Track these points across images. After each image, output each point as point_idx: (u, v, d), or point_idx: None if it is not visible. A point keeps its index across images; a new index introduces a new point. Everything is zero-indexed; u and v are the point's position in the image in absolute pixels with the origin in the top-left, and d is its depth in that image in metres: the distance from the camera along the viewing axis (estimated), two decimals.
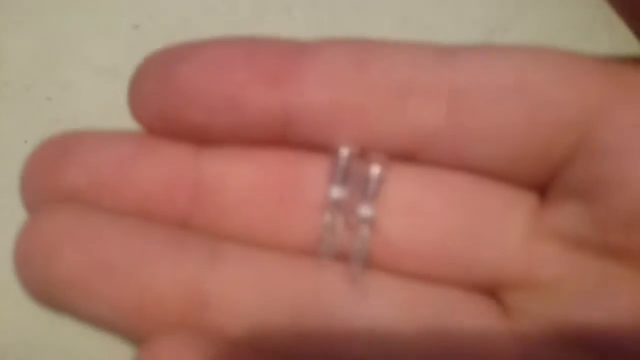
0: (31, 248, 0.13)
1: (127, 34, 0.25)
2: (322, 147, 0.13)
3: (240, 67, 0.13)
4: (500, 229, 0.14)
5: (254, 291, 0.13)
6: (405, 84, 0.13)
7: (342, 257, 0.13)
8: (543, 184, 0.14)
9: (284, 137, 0.13)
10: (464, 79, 0.13)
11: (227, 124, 0.13)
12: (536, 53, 0.13)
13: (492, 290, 0.14)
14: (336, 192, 0.13)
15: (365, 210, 0.13)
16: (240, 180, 0.14)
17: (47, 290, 0.13)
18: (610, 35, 0.26)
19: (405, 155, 0.14)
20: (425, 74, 0.13)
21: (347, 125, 0.13)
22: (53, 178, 0.13)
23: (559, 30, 0.26)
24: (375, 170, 0.13)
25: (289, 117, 0.13)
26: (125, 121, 0.23)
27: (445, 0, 0.26)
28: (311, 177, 0.14)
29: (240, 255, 0.13)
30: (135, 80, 0.14)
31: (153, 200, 0.13)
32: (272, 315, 0.13)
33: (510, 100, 0.13)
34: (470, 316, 0.13)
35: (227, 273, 0.13)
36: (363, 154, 0.13)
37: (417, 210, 0.14)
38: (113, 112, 0.23)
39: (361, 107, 0.13)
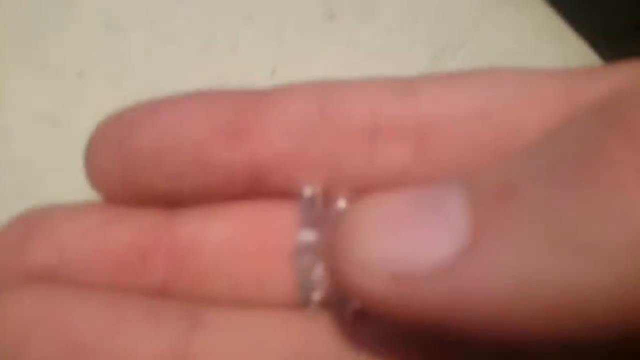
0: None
1: (71, 81, 0.25)
2: (293, 194, 0.13)
3: (200, 124, 0.13)
4: None
5: (238, 355, 0.12)
6: (369, 125, 0.13)
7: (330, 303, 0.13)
8: None
9: (255, 189, 0.13)
10: (427, 112, 0.13)
11: (195, 186, 0.13)
12: (494, 76, 0.13)
13: None
14: (305, 235, 0.13)
15: None
16: (215, 238, 0.13)
17: None
18: (562, 46, 0.27)
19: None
20: (387, 112, 0.13)
21: (316, 172, 0.13)
22: (20, 259, 0.13)
23: (509, 46, 0.26)
24: (341, 204, 0.13)
25: (257, 169, 0.13)
26: (66, 169, 0.22)
27: (394, 24, 0.27)
28: (286, 224, 0.13)
29: (222, 319, 0.13)
30: (90, 150, 0.13)
31: (127, 270, 0.13)
32: None
33: (475, 129, 0.13)
34: None
35: (210, 341, 0.12)
36: (328, 193, 0.13)
37: None
38: (52, 159, 0.23)
39: (328, 152, 0.13)
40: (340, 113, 0.13)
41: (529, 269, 0.09)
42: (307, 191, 0.13)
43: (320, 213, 0.13)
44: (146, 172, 0.13)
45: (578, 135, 0.10)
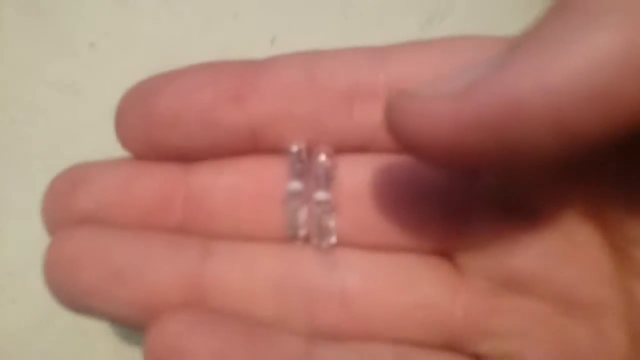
0: (57, 264, 0.15)
1: (83, 52, 0.26)
2: (284, 150, 0.16)
3: (207, 91, 0.15)
4: None
5: (242, 277, 0.15)
6: (349, 88, 0.15)
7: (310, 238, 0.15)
8: None
9: (254, 146, 0.16)
10: (396, 75, 0.15)
11: (205, 143, 0.15)
12: (454, 43, 0.15)
13: (445, 252, 0.16)
14: (293, 185, 0.15)
15: (320, 195, 0.15)
16: (222, 187, 0.16)
17: (72, 298, 0.15)
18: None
19: (360, 148, 0.16)
20: (364, 76, 0.15)
21: (303, 130, 0.15)
22: (67, 206, 0.16)
23: (495, 12, 0.27)
24: (322, 158, 0.15)
25: (255, 128, 0.15)
26: (89, 134, 0.24)
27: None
28: (279, 175, 0.16)
29: (228, 249, 0.15)
30: (119, 114, 0.16)
31: (151, 213, 0.15)
32: (259, 293, 0.15)
33: None
34: (428, 274, 0.15)
35: (219, 266, 0.15)
36: (313, 150, 0.15)
37: (369, 190, 0.15)
38: (76, 127, 0.25)
39: (313, 113, 0.15)
40: (324, 79, 0.15)
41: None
42: (294, 148, 0.15)
43: (305, 166, 0.15)
44: (165, 131, 0.15)
45: None
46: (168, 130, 0.15)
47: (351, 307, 0.15)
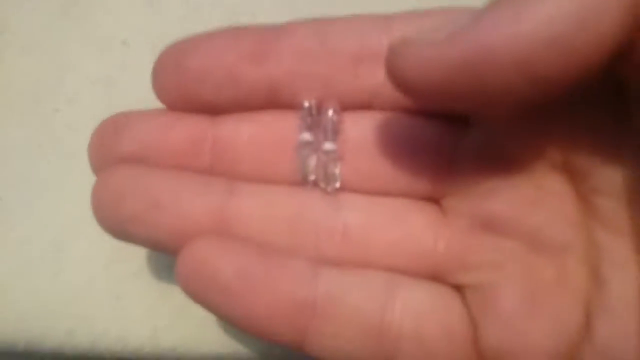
0: (103, 197, 0.17)
1: (117, 49, 0.29)
2: (298, 105, 0.18)
3: (231, 51, 0.17)
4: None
5: (260, 212, 0.17)
6: (356, 51, 0.17)
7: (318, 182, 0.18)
8: None
9: (273, 101, 0.18)
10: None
11: (229, 97, 0.18)
12: (448, 13, 0.17)
13: (433, 198, 0.18)
14: (304, 136, 0.17)
15: (327, 145, 0.17)
16: (245, 135, 0.18)
17: (118, 226, 0.17)
18: None
19: (365, 105, 0.18)
20: (369, 40, 0.17)
21: (316, 88, 0.18)
22: (111, 148, 0.18)
23: None
24: (330, 113, 0.17)
25: (272, 85, 0.17)
26: None
27: None
28: (293, 126, 0.18)
29: (250, 189, 0.17)
30: (156, 72, 0.18)
31: (184, 155, 0.18)
32: (274, 226, 0.17)
33: None
34: (418, 214, 0.18)
35: (241, 202, 0.17)
36: (321, 105, 0.18)
37: (370, 143, 0.18)
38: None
39: (324, 72, 0.17)
40: (334, 43, 0.17)
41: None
42: (306, 103, 0.18)
43: (315, 120, 0.18)
44: (195, 86, 0.17)
45: None
46: (198, 85, 0.17)
47: (351, 240, 0.17)
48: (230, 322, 0.16)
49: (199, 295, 0.16)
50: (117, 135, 0.18)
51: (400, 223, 0.17)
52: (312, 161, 0.17)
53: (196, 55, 0.17)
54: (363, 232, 0.17)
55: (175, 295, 0.24)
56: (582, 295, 0.16)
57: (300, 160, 0.17)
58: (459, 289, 0.17)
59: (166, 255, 0.17)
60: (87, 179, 0.18)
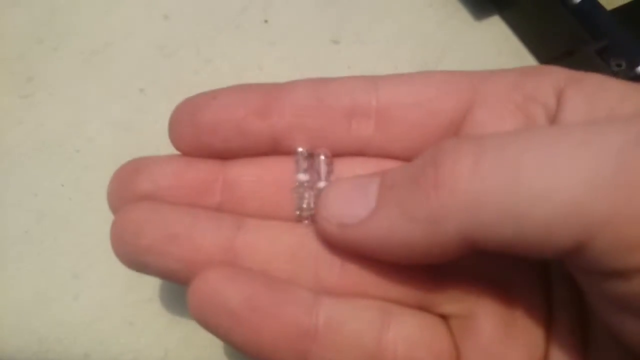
0: (122, 231, 0.18)
1: (135, 96, 0.31)
2: (295, 151, 0.20)
3: (240, 107, 0.19)
4: None
5: (264, 245, 0.19)
6: (348, 109, 0.19)
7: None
8: None
9: (275, 149, 0.20)
10: (384, 101, 0.19)
11: (238, 146, 0.19)
12: (429, 76, 0.19)
13: None
14: (301, 176, 0.19)
15: (321, 184, 0.19)
16: (250, 177, 0.19)
17: (134, 256, 0.18)
18: (519, 62, 0.32)
19: (356, 153, 0.20)
20: (360, 99, 0.19)
21: (313, 139, 0.20)
22: (129, 188, 0.19)
23: (477, 62, 0.32)
24: (321, 157, 0.20)
25: (276, 136, 0.19)
26: None
27: (383, 48, 0.32)
28: (291, 170, 0.20)
29: (256, 225, 0.19)
30: (172, 123, 0.20)
31: (197, 194, 0.19)
32: (278, 258, 0.19)
33: (414, 112, 0.19)
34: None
35: (247, 236, 0.19)
36: (315, 151, 0.20)
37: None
38: (129, 159, 0.29)
39: (320, 126, 0.20)
40: (329, 100, 0.19)
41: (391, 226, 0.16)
42: (301, 149, 0.20)
43: (310, 163, 0.20)
44: (207, 137, 0.19)
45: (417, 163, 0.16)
46: (210, 137, 0.19)
47: (348, 271, 0.19)
48: (236, 348, 0.17)
49: (208, 322, 0.17)
50: (135, 177, 0.19)
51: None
52: (308, 200, 0.19)
53: (208, 110, 0.19)
54: (360, 265, 0.19)
55: (184, 322, 0.26)
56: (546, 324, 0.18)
57: (297, 199, 0.19)
58: (444, 318, 0.19)
59: (176, 284, 0.19)
60: (102, 215, 0.20)
